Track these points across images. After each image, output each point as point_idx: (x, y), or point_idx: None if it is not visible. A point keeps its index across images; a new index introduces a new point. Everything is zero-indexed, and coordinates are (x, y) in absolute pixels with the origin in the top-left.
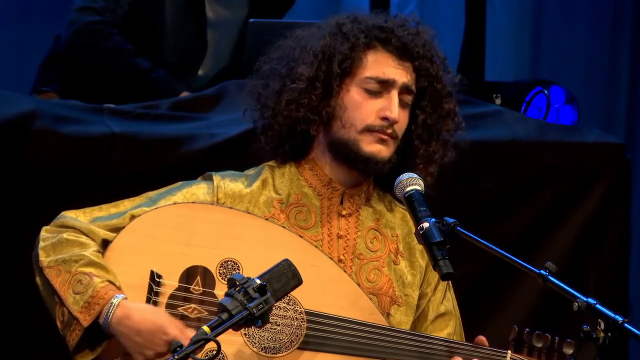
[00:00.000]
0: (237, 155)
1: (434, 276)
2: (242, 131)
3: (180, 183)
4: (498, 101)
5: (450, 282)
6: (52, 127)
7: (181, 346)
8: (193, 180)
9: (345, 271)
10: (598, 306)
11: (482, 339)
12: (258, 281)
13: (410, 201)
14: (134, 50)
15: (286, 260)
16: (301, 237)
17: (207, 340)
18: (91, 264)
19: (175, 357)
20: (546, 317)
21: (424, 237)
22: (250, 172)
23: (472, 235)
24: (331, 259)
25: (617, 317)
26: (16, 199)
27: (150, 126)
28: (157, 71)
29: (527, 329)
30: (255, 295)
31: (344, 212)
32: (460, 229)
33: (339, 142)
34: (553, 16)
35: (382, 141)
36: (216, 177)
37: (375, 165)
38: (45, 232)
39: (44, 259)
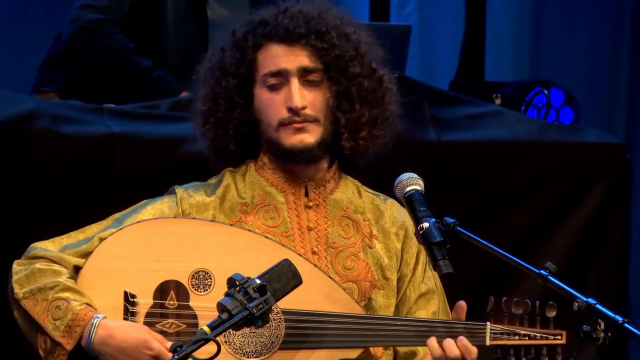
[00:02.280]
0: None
1: (411, 257)
2: None
3: (144, 201)
4: (498, 101)
5: (427, 260)
6: (52, 127)
7: (181, 346)
8: (157, 197)
9: (315, 265)
10: (598, 306)
11: (461, 304)
12: (258, 281)
13: (410, 201)
14: (135, 49)
15: (286, 260)
16: (267, 237)
17: (207, 340)
18: (67, 289)
19: (175, 357)
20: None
21: (424, 237)
22: (212, 180)
23: (472, 235)
24: (301, 255)
25: (617, 317)
26: (16, 199)
27: (150, 126)
28: (158, 70)
29: (504, 298)
30: (255, 295)
31: (310, 204)
32: (460, 229)
33: (268, 143)
34: (553, 16)
35: (298, 130)
36: (179, 190)
37: (302, 154)
38: (17, 266)
39: (18, 290)
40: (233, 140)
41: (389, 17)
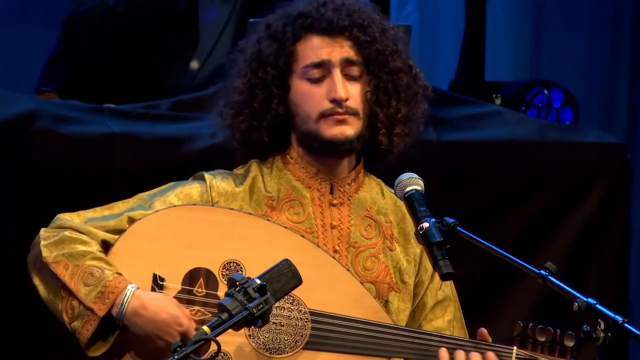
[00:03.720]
0: (237, 155)
1: (429, 263)
2: None
3: (172, 184)
4: (498, 101)
5: None
6: (52, 127)
7: (181, 346)
8: (184, 181)
9: (348, 269)
10: (598, 306)
11: (484, 332)
12: (258, 281)
13: (410, 201)
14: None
15: (286, 260)
16: (303, 237)
17: (207, 340)
18: (98, 258)
19: (175, 357)
20: (546, 317)
21: (424, 237)
22: (239, 170)
23: (472, 235)
24: (334, 257)
25: (617, 317)
26: (16, 199)
27: (150, 126)
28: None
29: (530, 324)
30: (255, 295)
31: (334, 202)
32: (460, 229)
33: (304, 135)
34: (553, 16)
35: (340, 122)
36: (208, 177)
37: (342, 146)
38: (44, 232)
39: (48, 254)
40: (267, 131)
41: (389, 17)
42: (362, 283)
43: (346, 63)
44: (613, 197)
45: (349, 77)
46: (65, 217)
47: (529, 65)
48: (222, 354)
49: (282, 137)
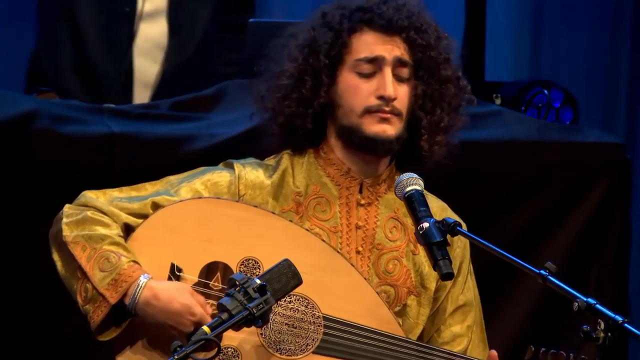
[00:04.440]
0: (237, 156)
1: (453, 267)
2: (242, 131)
3: (202, 169)
4: (498, 101)
5: (471, 269)
6: (52, 127)
7: (181, 346)
8: (214, 167)
9: (366, 278)
10: (598, 306)
11: (494, 355)
12: (258, 281)
13: (410, 201)
14: None
15: (286, 260)
16: (324, 241)
17: (207, 341)
18: (117, 244)
19: (175, 357)
20: (546, 317)
21: (424, 237)
22: (270, 161)
23: (472, 235)
24: (353, 265)
25: (617, 317)
26: (16, 199)
27: (150, 126)
28: None
29: (542, 349)
30: (255, 295)
31: (362, 202)
32: (460, 229)
33: (345, 129)
34: (553, 16)
35: (384, 120)
36: (238, 166)
37: (382, 145)
38: (68, 209)
39: (68, 234)
40: (311, 119)
41: None
42: (381, 285)
43: (398, 63)
44: (613, 197)
45: (398, 78)
46: (90, 195)
47: (529, 65)
48: (232, 350)
49: (321, 128)
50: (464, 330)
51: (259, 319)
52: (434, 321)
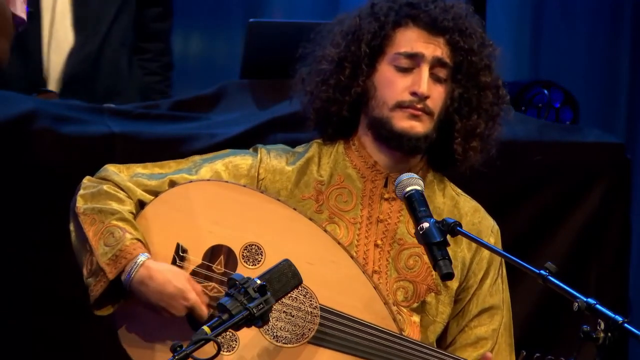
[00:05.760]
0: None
1: (480, 269)
2: (242, 131)
3: (227, 151)
4: None
5: (503, 273)
6: (52, 127)
7: (181, 346)
8: (241, 149)
9: (358, 263)
10: (598, 306)
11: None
12: (258, 281)
13: (410, 201)
14: None
15: (286, 261)
16: (326, 231)
17: (207, 340)
18: (125, 220)
19: (175, 357)
20: (546, 317)
21: (424, 237)
22: (299, 149)
23: (472, 236)
24: (352, 257)
25: (617, 317)
26: (16, 199)
27: (150, 126)
28: None
29: (537, 354)
30: (256, 295)
31: (387, 196)
32: (460, 229)
33: (375, 121)
34: (553, 16)
35: (414, 117)
36: (262, 150)
37: (409, 141)
38: (87, 181)
39: (80, 205)
40: (347, 107)
41: None
42: (400, 280)
43: (437, 63)
44: (613, 197)
45: (435, 77)
46: (111, 170)
47: (529, 65)
48: (231, 334)
49: (355, 119)
50: (489, 333)
51: (259, 319)
52: (458, 322)
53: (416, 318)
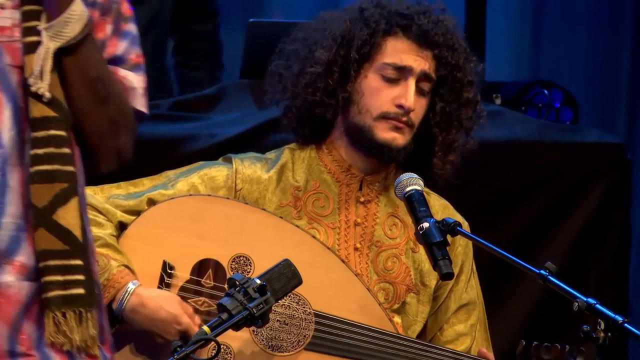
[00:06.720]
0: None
1: (455, 265)
2: (242, 131)
3: (200, 163)
4: (498, 101)
5: (474, 268)
6: None
7: (181, 346)
8: (214, 161)
9: (356, 274)
10: (598, 306)
11: (484, 351)
12: (258, 281)
13: (410, 201)
14: None
15: (286, 260)
16: (314, 237)
17: (207, 340)
18: (107, 245)
19: (175, 357)
20: (546, 317)
21: (424, 237)
22: (271, 155)
23: (472, 236)
24: (344, 262)
25: (617, 317)
26: None
27: (150, 126)
28: None
29: (535, 342)
30: (255, 295)
31: (362, 199)
32: (460, 229)
33: (355, 128)
34: (553, 16)
35: (397, 129)
36: (235, 161)
37: (389, 152)
38: None
39: None
40: (332, 111)
41: None
42: (379, 283)
43: (424, 77)
44: (613, 197)
45: (419, 90)
46: (87, 192)
47: (529, 65)
48: (225, 347)
49: (332, 123)
50: (467, 329)
51: (259, 319)
52: (437, 320)
53: (398, 319)
